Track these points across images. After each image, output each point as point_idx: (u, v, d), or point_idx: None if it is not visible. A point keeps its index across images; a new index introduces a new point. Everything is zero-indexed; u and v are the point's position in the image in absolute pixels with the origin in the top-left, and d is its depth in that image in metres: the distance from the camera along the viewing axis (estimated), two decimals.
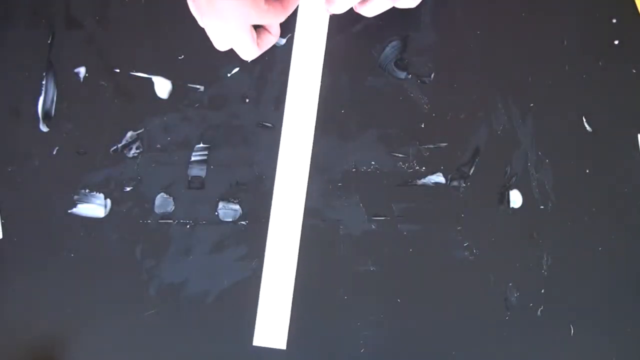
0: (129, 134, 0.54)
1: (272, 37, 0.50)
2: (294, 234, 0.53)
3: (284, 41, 0.54)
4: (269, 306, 0.53)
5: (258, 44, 0.48)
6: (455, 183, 0.54)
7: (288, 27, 0.53)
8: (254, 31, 0.47)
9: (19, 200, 0.54)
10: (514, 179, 0.54)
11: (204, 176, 0.54)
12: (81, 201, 0.54)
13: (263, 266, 0.53)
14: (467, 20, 0.54)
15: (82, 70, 0.54)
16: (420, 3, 0.50)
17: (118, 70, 0.54)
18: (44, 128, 0.54)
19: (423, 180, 0.54)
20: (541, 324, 0.54)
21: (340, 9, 0.48)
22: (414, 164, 0.54)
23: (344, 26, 0.54)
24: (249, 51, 0.48)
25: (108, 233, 0.54)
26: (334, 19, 0.54)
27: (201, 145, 0.54)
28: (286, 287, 0.53)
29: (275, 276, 0.53)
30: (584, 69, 0.54)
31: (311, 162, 0.54)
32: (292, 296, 0.53)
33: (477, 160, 0.54)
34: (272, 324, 0.53)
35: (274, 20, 0.46)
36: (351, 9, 0.49)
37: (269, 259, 0.53)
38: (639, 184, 0.54)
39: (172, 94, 0.54)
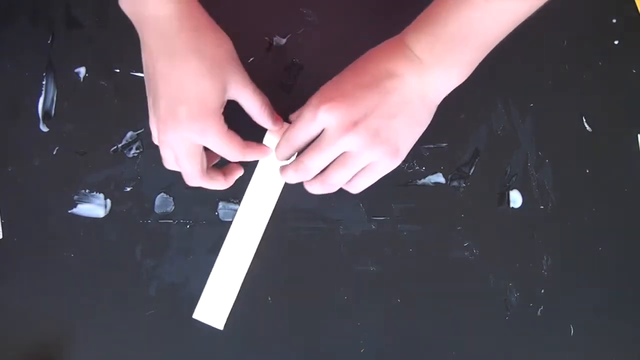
0: (129, 134, 0.54)
1: (223, 181, 0.49)
2: (256, 232, 0.53)
3: (284, 41, 0.54)
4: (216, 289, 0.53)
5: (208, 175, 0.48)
6: (455, 183, 0.54)
7: (287, 28, 0.53)
8: (204, 157, 0.47)
9: (19, 200, 0.54)
10: (514, 179, 0.54)
11: None
12: (81, 201, 0.54)
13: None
14: None
15: (82, 70, 0.54)
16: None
17: (118, 70, 0.54)
18: (44, 128, 0.54)
19: (423, 180, 0.54)
20: (541, 324, 0.54)
21: (291, 181, 0.48)
22: (414, 164, 0.54)
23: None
24: (193, 174, 0.46)
25: (108, 233, 0.54)
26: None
27: None
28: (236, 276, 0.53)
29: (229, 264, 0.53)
30: (584, 69, 0.54)
31: None
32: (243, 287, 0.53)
33: (477, 160, 0.54)
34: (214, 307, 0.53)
35: (227, 151, 0.46)
36: None
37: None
38: (639, 184, 0.54)
39: None
